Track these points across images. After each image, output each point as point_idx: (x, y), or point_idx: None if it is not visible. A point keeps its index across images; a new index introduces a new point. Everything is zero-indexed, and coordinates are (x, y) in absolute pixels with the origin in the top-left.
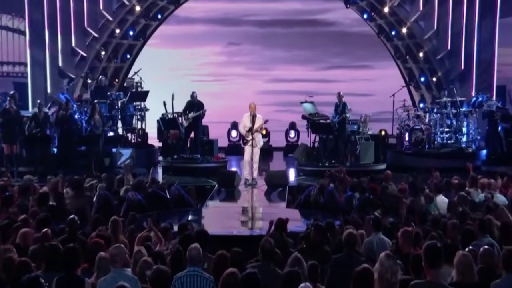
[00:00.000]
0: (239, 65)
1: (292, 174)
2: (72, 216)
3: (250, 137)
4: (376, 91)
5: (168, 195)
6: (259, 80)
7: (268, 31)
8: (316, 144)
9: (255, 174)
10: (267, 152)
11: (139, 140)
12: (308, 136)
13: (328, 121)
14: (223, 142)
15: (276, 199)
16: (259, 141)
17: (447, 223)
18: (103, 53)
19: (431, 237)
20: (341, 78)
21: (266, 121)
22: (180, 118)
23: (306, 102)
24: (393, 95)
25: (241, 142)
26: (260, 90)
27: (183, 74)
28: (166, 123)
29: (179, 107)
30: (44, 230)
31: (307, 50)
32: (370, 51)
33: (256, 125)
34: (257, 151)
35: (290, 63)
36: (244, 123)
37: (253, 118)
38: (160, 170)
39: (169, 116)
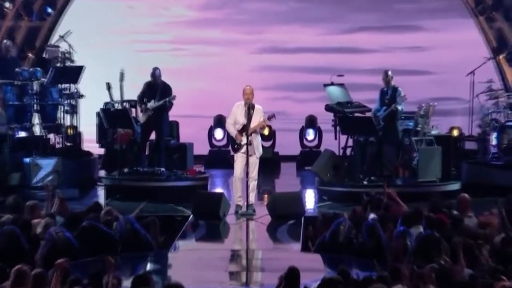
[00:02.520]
0: (211, 25)
1: (310, 199)
2: None
3: (244, 141)
4: (439, 66)
5: (114, 232)
6: (246, 50)
7: None
8: (348, 152)
9: (252, 198)
10: (271, 164)
11: (68, 144)
12: (335, 138)
13: (369, 114)
14: (201, 148)
15: (286, 238)
16: (258, 146)
17: None
18: (7, 5)
19: None
20: (374, 46)
21: (271, 117)
22: (133, 110)
23: (332, 84)
24: (472, 72)
25: (230, 147)
26: (253, 66)
27: (134, 40)
28: (111, 118)
29: (132, 92)
30: None
31: (312, 2)
32: (423, 4)
33: (255, 122)
34: (255, 163)
35: (289, 22)
36: (236, 118)
37: (249, 110)
38: (101, 193)
39: (116, 106)
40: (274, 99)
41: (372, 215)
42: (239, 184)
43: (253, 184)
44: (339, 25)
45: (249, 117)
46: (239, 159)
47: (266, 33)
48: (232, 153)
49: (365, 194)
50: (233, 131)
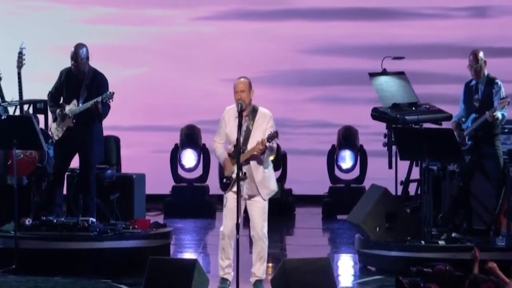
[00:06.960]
0: None
1: (346, 270)
2: None
3: (236, 172)
4: None
5: None
6: (203, 11)
7: None
8: (413, 190)
9: (262, 269)
10: (279, 210)
11: None
12: (390, 166)
13: (448, 125)
14: (159, 183)
15: None
16: (265, 180)
17: None
18: None
19: None
20: (425, 6)
21: (272, 137)
22: (41, 118)
23: (384, 73)
24: None
25: (219, 184)
26: (240, 41)
27: None
28: (2, 132)
29: (39, 87)
30: None
31: None
32: None
33: (253, 142)
34: (260, 208)
35: None
36: (228, 133)
37: (241, 117)
38: None
39: (11, 111)
40: (275, 99)
41: None
42: (229, 244)
43: (260, 246)
44: None
45: (246, 129)
46: (230, 203)
47: None
48: (223, 192)
49: (445, 268)
50: (221, 154)
